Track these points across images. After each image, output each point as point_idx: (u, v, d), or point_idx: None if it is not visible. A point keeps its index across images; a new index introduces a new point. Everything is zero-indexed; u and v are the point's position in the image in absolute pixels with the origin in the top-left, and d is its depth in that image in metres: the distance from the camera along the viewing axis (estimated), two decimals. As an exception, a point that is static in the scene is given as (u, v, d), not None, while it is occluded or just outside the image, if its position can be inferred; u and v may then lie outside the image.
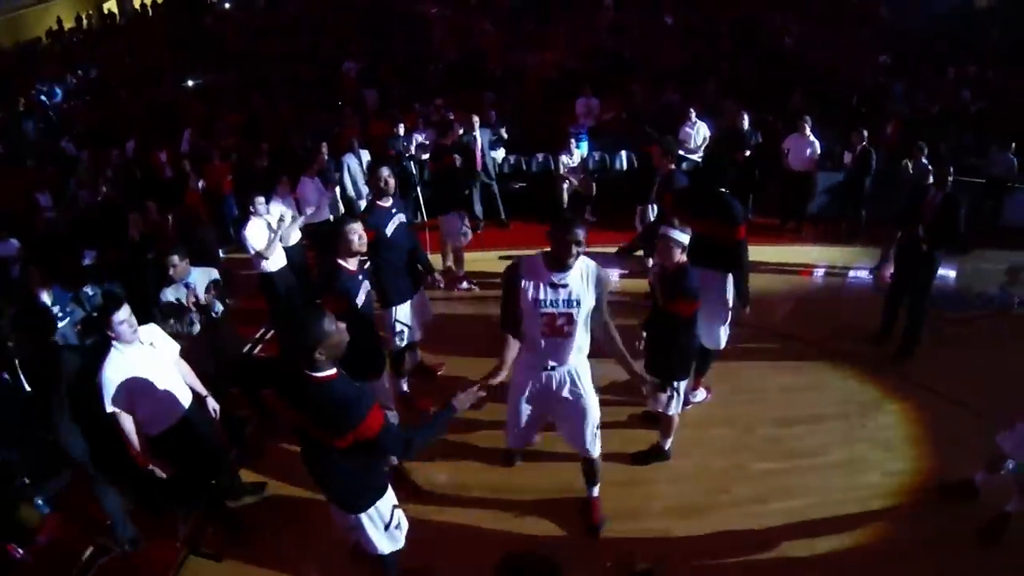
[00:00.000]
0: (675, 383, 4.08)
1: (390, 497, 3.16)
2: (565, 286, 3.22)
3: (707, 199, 4.39)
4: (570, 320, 3.28)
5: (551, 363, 3.44)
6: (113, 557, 4.08)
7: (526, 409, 3.69)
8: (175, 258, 4.48)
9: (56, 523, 4.48)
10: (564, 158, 9.05)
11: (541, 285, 3.23)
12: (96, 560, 4.06)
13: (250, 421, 5.15)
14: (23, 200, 9.17)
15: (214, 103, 12.47)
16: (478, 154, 8.56)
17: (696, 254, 4.00)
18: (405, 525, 3.27)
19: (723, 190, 4.41)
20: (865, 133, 7.95)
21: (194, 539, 4.18)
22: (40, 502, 4.56)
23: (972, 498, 4.00)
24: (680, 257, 3.87)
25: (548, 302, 3.24)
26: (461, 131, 8.37)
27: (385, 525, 3.12)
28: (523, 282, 3.24)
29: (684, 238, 3.84)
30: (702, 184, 4.66)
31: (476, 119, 8.48)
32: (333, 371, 2.73)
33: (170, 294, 4.49)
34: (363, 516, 3.05)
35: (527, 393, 3.63)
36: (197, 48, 15.07)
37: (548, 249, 3.21)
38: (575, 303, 3.25)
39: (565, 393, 3.55)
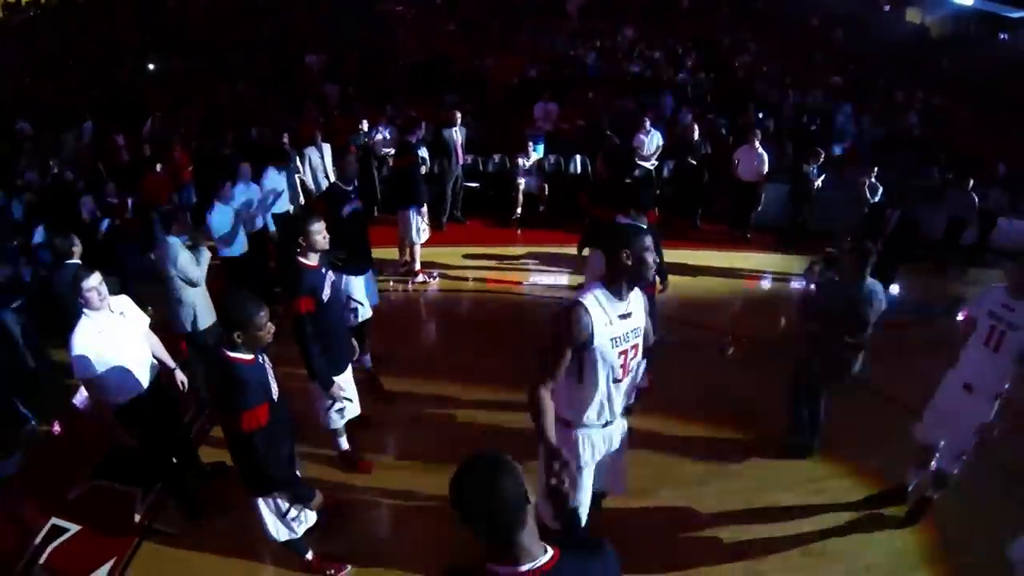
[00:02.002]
0: None
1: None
2: (630, 315, 2.70)
3: (615, 189, 4.75)
4: (636, 351, 2.76)
5: (614, 414, 2.87)
6: (67, 540, 4.07)
7: (589, 487, 3.01)
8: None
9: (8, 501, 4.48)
10: (521, 160, 9.28)
11: (611, 322, 2.62)
12: (48, 543, 4.05)
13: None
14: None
15: (175, 89, 12.27)
16: (459, 150, 8.74)
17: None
18: (307, 520, 3.40)
19: (628, 180, 4.80)
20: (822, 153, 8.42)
21: (153, 518, 4.21)
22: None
23: (902, 501, 4.25)
24: None
25: (620, 339, 2.66)
26: (440, 128, 8.62)
27: (282, 513, 3.26)
28: (592, 326, 2.58)
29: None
30: (610, 176, 5.01)
31: (459, 115, 8.63)
32: (248, 357, 2.91)
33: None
34: (259, 500, 3.21)
35: (592, 467, 3.00)
36: (159, 31, 14.77)
37: (604, 275, 2.67)
38: (638, 330, 2.75)
39: (617, 443, 3.03)
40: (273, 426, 2.94)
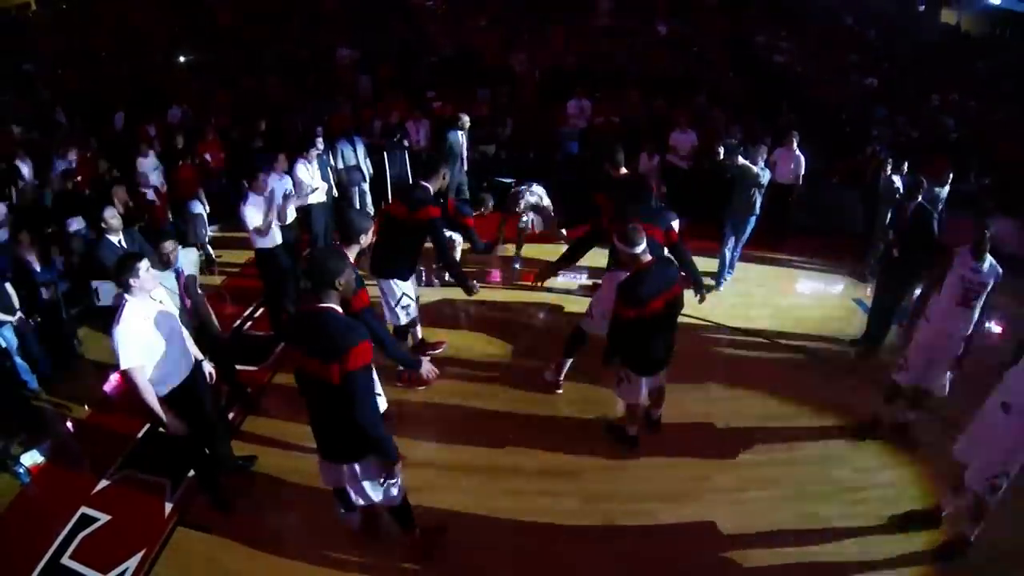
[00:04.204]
0: (624, 370, 4.33)
1: None
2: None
3: (642, 209, 4.71)
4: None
5: None
6: (96, 529, 4.07)
7: None
8: (168, 244, 4.39)
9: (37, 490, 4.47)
10: (525, 196, 7.32)
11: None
12: (78, 532, 4.05)
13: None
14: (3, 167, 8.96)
15: (205, 80, 12.33)
16: (464, 154, 8.71)
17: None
18: (399, 481, 3.40)
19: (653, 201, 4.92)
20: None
21: (183, 510, 4.19)
22: (20, 471, 4.56)
23: (936, 525, 4.07)
24: (636, 263, 4.03)
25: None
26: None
27: (381, 479, 3.28)
28: None
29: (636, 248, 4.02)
30: (633, 197, 4.93)
31: (466, 118, 8.55)
32: (339, 307, 3.03)
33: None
34: (357, 465, 3.20)
35: None
36: (189, 24, 14.88)
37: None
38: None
39: None
40: (371, 371, 3.05)
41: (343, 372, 2.84)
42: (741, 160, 6.65)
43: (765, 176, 6.78)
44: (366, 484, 3.26)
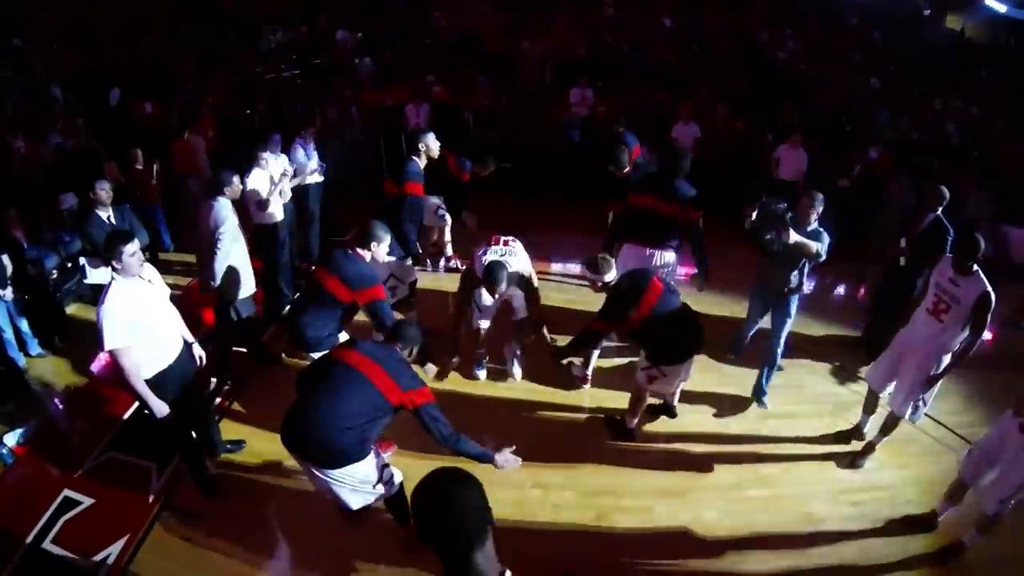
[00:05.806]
0: (654, 368, 4.33)
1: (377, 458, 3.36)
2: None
3: (668, 185, 4.80)
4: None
5: None
6: (79, 513, 3.98)
7: None
8: (236, 179, 4.77)
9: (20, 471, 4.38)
10: (482, 299, 5.01)
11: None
12: (61, 515, 3.96)
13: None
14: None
15: (204, 59, 12.15)
16: None
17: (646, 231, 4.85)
18: (398, 478, 3.46)
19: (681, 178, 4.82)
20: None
21: (168, 494, 4.11)
22: (3, 451, 4.46)
23: (932, 529, 4.05)
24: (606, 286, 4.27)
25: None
26: None
27: (373, 482, 3.31)
28: None
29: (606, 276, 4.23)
30: (664, 172, 4.96)
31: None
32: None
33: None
34: (351, 467, 3.20)
35: None
36: (190, 3, 14.66)
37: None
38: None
39: None
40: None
41: (405, 401, 3.16)
42: (795, 237, 4.38)
43: (825, 245, 4.55)
44: (347, 494, 3.28)
